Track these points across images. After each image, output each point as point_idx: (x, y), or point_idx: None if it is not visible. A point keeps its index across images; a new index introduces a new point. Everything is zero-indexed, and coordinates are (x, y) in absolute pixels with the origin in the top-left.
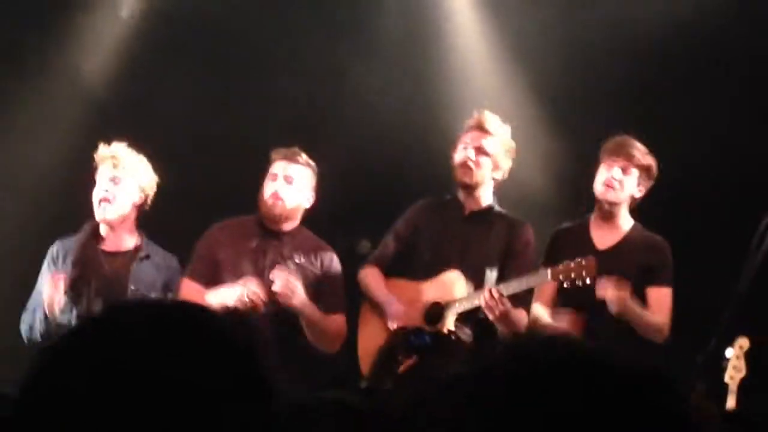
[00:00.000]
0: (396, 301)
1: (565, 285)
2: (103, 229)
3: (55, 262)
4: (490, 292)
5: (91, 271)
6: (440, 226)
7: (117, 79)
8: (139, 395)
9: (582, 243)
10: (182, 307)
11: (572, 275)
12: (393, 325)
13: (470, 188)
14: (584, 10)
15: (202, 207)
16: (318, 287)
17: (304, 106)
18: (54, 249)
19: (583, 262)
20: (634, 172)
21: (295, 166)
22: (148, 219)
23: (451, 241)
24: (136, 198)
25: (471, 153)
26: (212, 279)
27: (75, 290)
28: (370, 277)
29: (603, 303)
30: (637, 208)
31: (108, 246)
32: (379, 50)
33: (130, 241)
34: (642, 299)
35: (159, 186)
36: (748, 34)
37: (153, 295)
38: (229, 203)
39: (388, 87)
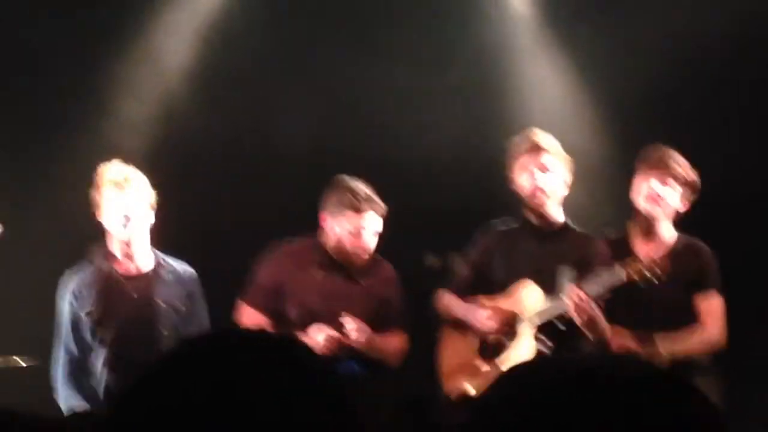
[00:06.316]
0: (478, 308)
1: (640, 284)
2: (120, 252)
3: (76, 296)
4: (575, 293)
5: (117, 297)
6: (515, 250)
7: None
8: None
9: (624, 255)
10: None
11: (646, 273)
12: (484, 327)
13: (544, 210)
14: (647, 22)
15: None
16: (380, 306)
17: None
18: (70, 284)
19: (656, 260)
20: (678, 187)
21: (380, 220)
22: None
23: (527, 262)
24: (151, 215)
25: (539, 176)
26: (274, 308)
27: (106, 319)
28: (446, 297)
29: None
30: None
31: (126, 270)
32: (440, 72)
33: (148, 260)
34: (691, 310)
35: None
36: None
37: (182, 308)
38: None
39: (449, 108)
